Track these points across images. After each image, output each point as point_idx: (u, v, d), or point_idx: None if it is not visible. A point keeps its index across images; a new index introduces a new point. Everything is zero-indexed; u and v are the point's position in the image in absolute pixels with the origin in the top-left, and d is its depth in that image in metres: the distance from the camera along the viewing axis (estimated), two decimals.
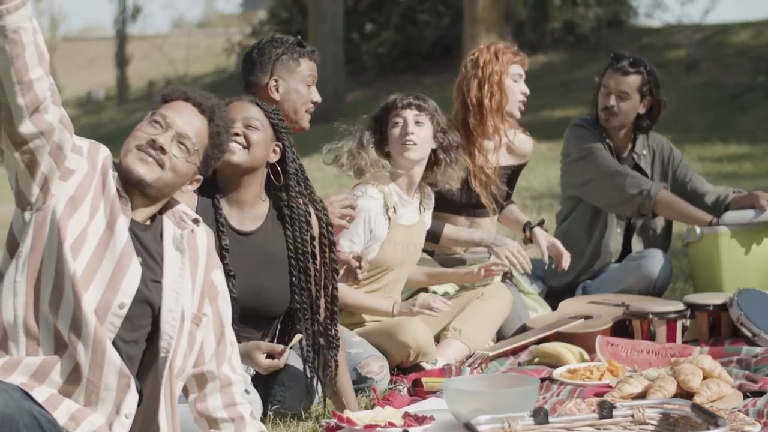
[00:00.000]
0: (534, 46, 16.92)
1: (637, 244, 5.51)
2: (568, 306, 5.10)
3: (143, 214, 3.07)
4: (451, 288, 4.94)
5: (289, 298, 3.80)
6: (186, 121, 3.09)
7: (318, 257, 3.80)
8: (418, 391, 4.13)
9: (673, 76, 14.30)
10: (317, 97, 4.23)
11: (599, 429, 3.18)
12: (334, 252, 3.83)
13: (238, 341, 3.68)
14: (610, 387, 4.08)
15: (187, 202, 3.56)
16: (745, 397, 3.95)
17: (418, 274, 4.81)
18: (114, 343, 2.94)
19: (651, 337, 4.74)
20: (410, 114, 4.56)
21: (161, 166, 3.03)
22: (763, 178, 9.43)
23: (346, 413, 3.63)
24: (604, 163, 5.38)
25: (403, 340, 4.32)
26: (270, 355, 3.63)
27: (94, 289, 2.91)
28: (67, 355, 2.90)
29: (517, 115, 5.19)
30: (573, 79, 16.41)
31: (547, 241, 5.10)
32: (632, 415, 3.19)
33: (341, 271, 4.21)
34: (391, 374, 4.32)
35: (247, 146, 3.71)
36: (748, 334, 4.68)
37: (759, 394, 3.98)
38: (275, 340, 3.89)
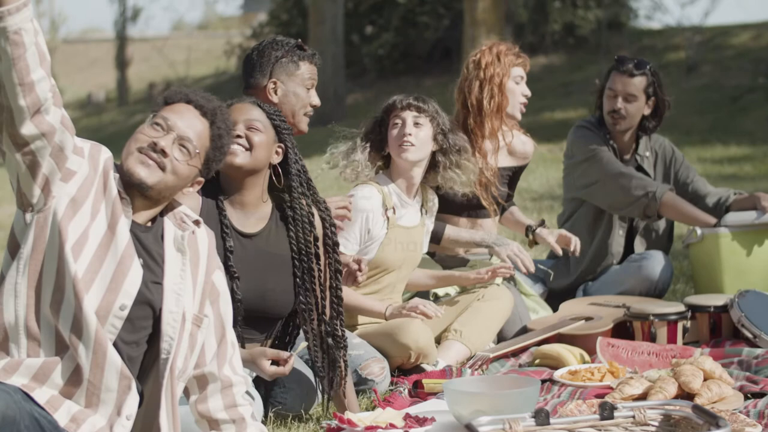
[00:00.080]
0: (534, 48, 16.93)
1: (639, 245, 5.51)
2: (568, 307, 5.10)
3: (144, 215, 3.07)
4: (452, 290, 4.94)
5: (293, 299, 3.80)
6: (187, 123, 3.09)
7: (322, 258, 3.80)
8: (418, 393, 4.13)
9: (673, 78, 14.31)
10: (316, 101, 4.23)
11: (600, 430, 3.18)
12: (338, 252, 3.83)
13: (242, 343, 3.69)
14: (611, 388, 4.08)
15: (190, 203, 3.56)
16: (746, 398, 3.95)
17: (424, 277, 4.82)
18: (115, 345, 2.94)
19: (652, 338, 4.74)
20: (409, 115, 4.56)
21: (162, 169, 3.03)
22: (764, 179, 9.43)
23: (347, 414, 3.63)
24: (608, 164, 5.38)
25: (403, 341, 4.32)
26: (275, 362, 3.62)
27: (95, 290, 2.91)
28: (68, 356, 2.90)
29: (519, 116, 5.19)
30: (573, 81, 16.43)
31: (553, 235, 5.11)
32: (633, 416, 3.19)
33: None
34: (392, 376, 4.32)
35: (250, 148, 3.71)
36: (749, 335, 4.68)
37: (760, 395, 3.97)
38: (276, 342, 3.89)
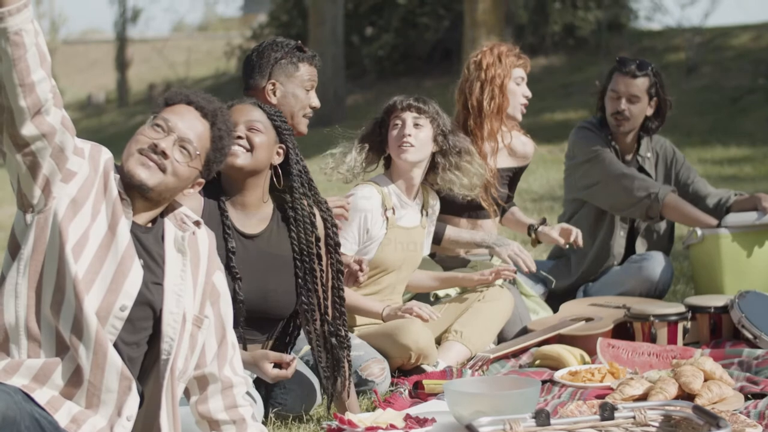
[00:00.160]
0: (534, 49, 16.92)
1: (641, 246, 5.52)
2: (569, 308, 5.10)
3: (145, 216, 3.07)
4: (452, 290, 4.94)
5: (295, 300, 3.80)
6: (188, 125, 3.09)
7: (323, 258, 3.80)
8: (419, 393, 4.13)
9: (673, 79, 14.31)
10: (316, 103, 4.23)
11: (601, 431, 3.18)
12: (339, 253, 3.84)
13: (244, 344, 3.69)
14: (611, 389, 4.08)
15: (192, 204, 3.57)
16: (747, 399, 3.95)
17: (427, 279, 4.82)
18: (115, 346, 2.94)
19: (652, 339, 4.74)
20: (409, 116, 4.57)
21: (163, 170, 3.03)
22: (764, 180, 9.43)
23: (348, 415, 3.63)
24: (611, 165, 5.39)
25: (404, 342, 4.32)
26: (277, 365, 3.62)
27: (96, 291, 2.91)
28: (68, 357, 2.90)
29: (519, 118, 5.20)
30: (573, 82, 16.43)
31: (555, 230, 5.11)
32: (634, 417, 3.19)
33: None
34: (392, 376, 4.32)
35: (251, 149, 3.71)
36: (749, 336, 4.68)
37: (760, 396, 3.97)
38: (276, 342, 3.89)
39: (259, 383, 3.84)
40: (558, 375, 4.32)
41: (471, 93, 5.07)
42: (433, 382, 4.12)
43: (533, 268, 4.91)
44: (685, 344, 4.78)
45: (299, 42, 4.24)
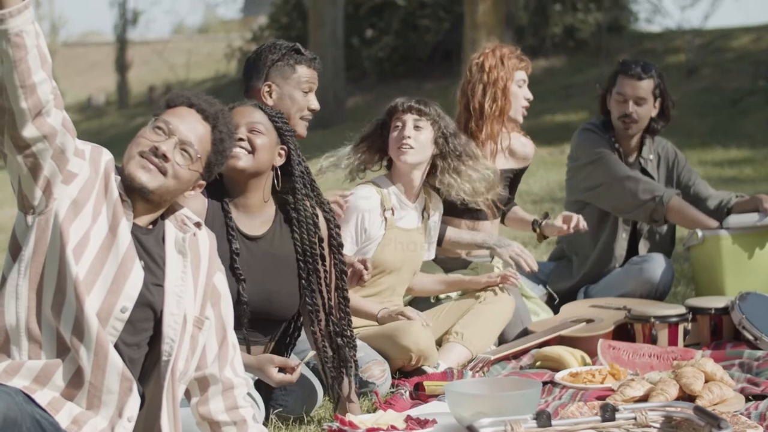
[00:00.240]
0: (534, 50, 16.93)
1: (643, 248, 5.52)
2: (569, 310, 5.10)
3: (145, 218, 3.07)
4: (453, 292, 4.94)
5: (299, 301, 3.80)
6: (189, 127, 3.09)
7: (327, 259, 3.80)
8: (420, 395, 4.12)
9: (673, 80, 14.29)
10: (315, 105, 4.22)
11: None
12: (342, 253, 3.84)
13: (247, 345, 3.69)
14: (612, 390, 4.08)
15: (196, 206, 3.57)
16: (747, 400, 3.95)
17: (432, 282, 4.82)
18: (116, 347, 2.94)
19: (653, 340, 4.74)
20: (410, 118, 4.57)
21: (164, 173, 3.03)
22: (764, 182, 9.44)
23: (349, 417, 3.63)
24: (615, 168, 5.39)
25: (404, 343, 4.31)
26: (281, 369, 3.62)
27: (97, 292, 2.91)
28: (69, 358, 2.90)
29: (521, 120, 5.20)
30: (573, 84, 16.43)
31: (558, 220, 5.10)
32: (635, 418, 3.19)
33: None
34: (393, 378, 4.32)
35: (252, 151, 3.71)
36: (750, 337, 4.68)
37: (761, 397, 3.97)
38: (277, 344, 3.89)
39: (259, 384, 3.84)
40: (559, 376, 4.32)
41: (473, 95, 5.07)
42: (433, 384, 4.12)
43: (535, 268, 4.92)
44: (685, 346, 4.78)
45: (297, 44, 4.24)
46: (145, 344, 3.04)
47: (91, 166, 2.98)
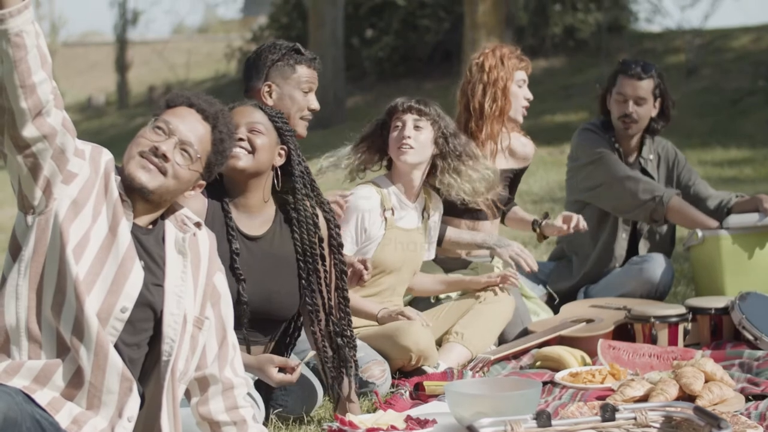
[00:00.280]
0: (534, 50, 16.92)
1: (643, 248, 5.52)
2: (569, 310, 5.10)
3: (145, 218, 3.08)
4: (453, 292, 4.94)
5: (299, 301, 3.80)
6: (189, 127, 3.09)
7: (327, 259, 3.80)
8: (420, 395, 4.12)
9: (673, 81, 14.28)
10: (315, 105, 4.22)
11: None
12: (343, 254, 3.84)
13: (247, 346, 3.69)
14: (612, 390, 4.08)
15: (196, 206, 3.57)
16: (747, 400, 3.95)
17: (433, 283, 4.82)
18: (116, 347, 2.94)
19: (653, 340, 4.74)
20: (410, 118, 4.57)
21: (163, 173, 3.04)
22: (764, 182, 9.44)
23: (349, 417, 3.63)
24: (615, 168, 5.39)
25: (404, 344, 4.31)
26: (282, 369, 3.62)
27: (97, 292, 2.91)
28: (69, 358, 2.90)
29: (521, 120, 5.20)
30: (573, 84, 16.43)
31: (558, 219, 5.10)
32: (635, 418, 3.19)
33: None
34: (393, 378, 4.32)
35: (252, 151, 3.71)
36: (750, 337, 4.69)
37: (761, 397, 3.97)
38: (277, 344, 3.89)
39: (259, 384, 3.84)
40: (559, 376, 4.32)
41: (473, 95, 5.07)
42: (433, 384, 4.12)
43: (535, 268, 4.92)
44: (685, 345, 4.78)
45: (297, 44, 4.24)
46: (145, 344, 3.04)
47: (91, 166, 2.98)
